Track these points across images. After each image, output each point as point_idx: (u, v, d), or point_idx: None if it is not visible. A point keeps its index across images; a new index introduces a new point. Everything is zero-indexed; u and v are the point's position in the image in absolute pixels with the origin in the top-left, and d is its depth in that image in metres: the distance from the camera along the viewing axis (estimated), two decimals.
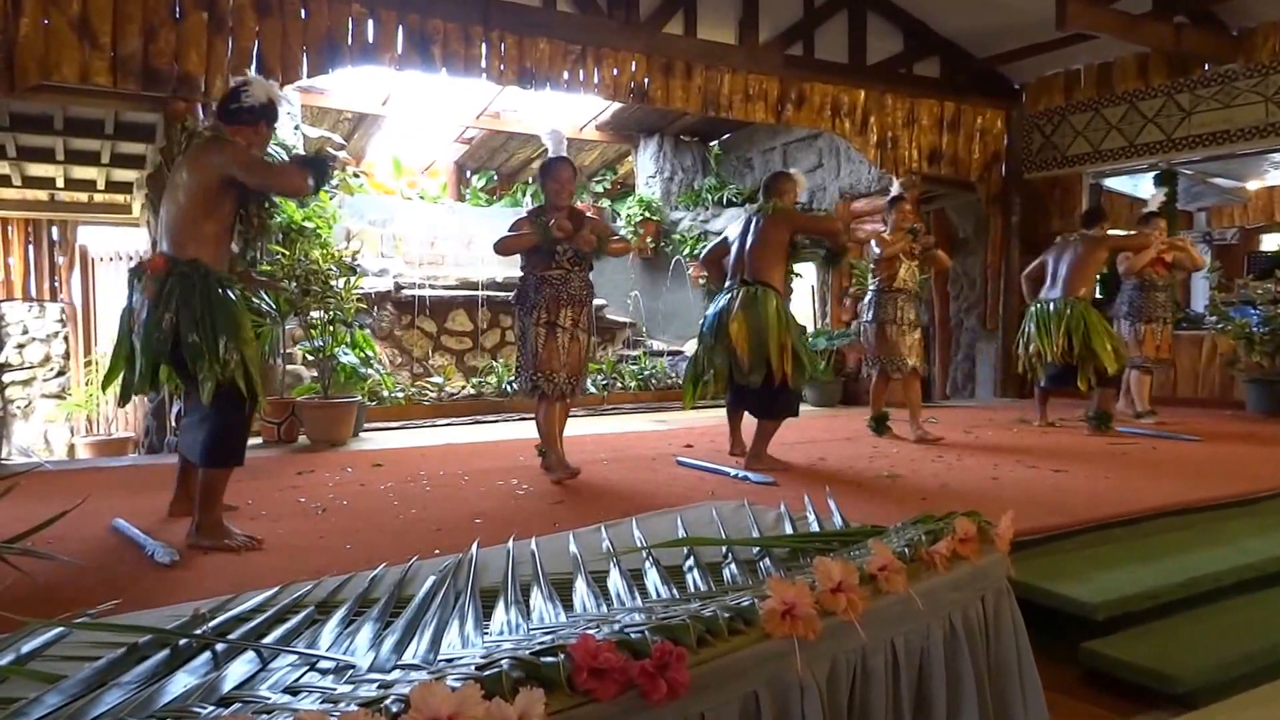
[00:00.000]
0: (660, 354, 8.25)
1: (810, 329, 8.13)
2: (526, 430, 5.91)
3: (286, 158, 5.95)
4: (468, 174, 9.65)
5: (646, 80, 5.93)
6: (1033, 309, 5.52)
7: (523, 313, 3.92)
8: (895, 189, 5.40)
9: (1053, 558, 2.85)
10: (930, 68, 7.15)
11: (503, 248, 3.94)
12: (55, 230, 8.93)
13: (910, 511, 2.29)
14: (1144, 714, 2.31)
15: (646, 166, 9.36)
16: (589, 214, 4.40)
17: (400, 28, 5.22)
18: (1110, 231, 5.79)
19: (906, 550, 1.79)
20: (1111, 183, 7.72)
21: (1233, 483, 3.62)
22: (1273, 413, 5.90)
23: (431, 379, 7.25)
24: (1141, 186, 7.34)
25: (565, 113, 8.57)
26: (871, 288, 5.12)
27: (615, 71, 5.84)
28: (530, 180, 9.75)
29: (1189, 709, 2.31)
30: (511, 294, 4.16)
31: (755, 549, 1.95)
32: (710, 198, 9.10)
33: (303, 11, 4.97)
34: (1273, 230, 8.85)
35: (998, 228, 7.25)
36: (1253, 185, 8.06)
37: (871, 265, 5.16)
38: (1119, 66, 6.87)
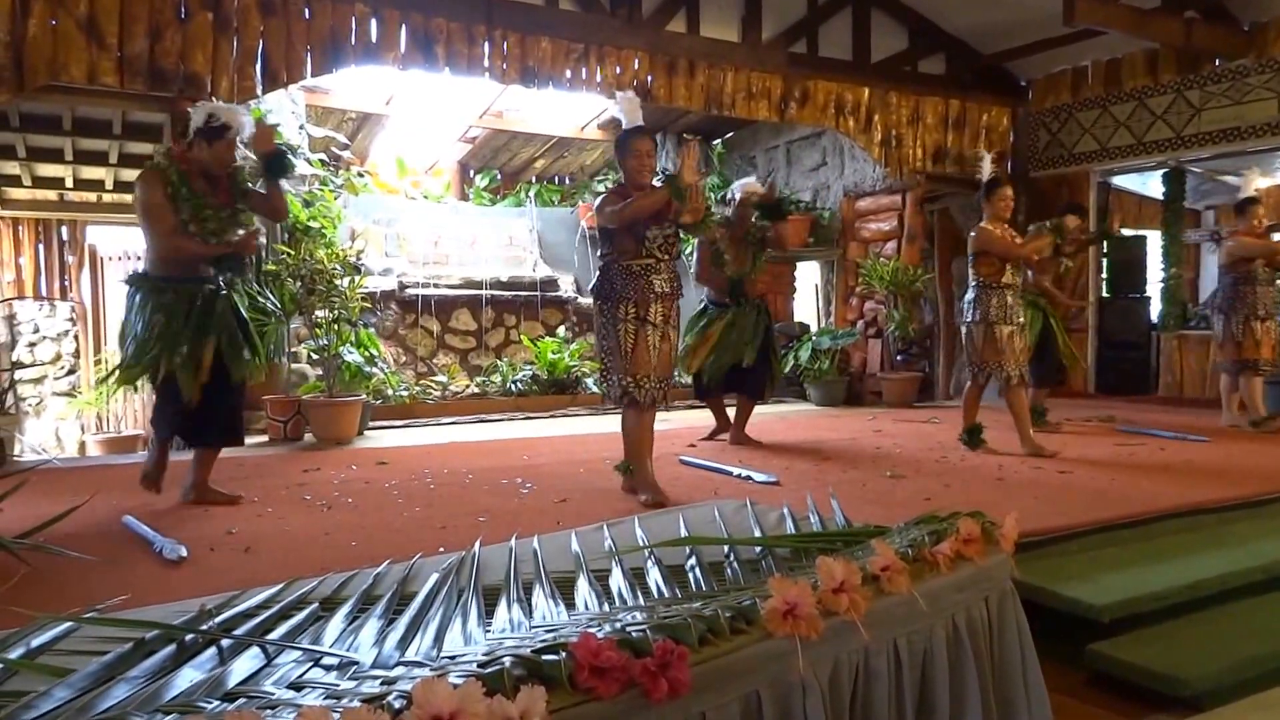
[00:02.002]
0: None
1: (815, 328, 8.13)
2: (530, 429, 5.93)
3: (292, 157, 5.99)
4: (471, 173, 9.65)
5: (649, 78, 5.93)
6: None
7: (607, 308, 3.41)
8: (988, 169, 4.79)
9: (1058, 559, 2.84)
10: (935, 65, 7.12)
11: (631, 214, 3.30)
12: (65, 230, 8.98)
13: (914, 512, 2.28)
14: (1150, 717, 2.30)
15: None
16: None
17: (403, 27, 5.23)
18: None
19: (910, 550, 1.78)
20: (1119, 181, 7.68)
21: (1242, 484, 3.60)
22: None
23: (435, 378, 7.27)
24: (1149, 185, 7.30)
25: (567, 112, 8.57)
26: (972, 283, 4.59)
27: (618, 70, 5.84)
28: (533, 180, 9.76)
29: (1196, 712, 2.30)
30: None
31: (758, 548, 1.95)
32: (713, 196, 9.08)
33: (306, 11, 4.98)
34: None
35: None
36: (1264, 183, 8.00)
37: (970, 258, 4.63)
38: (1127, 63, 6.82)
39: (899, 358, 7.51)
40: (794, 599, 1.43)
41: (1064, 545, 2.91)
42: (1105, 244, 6.68)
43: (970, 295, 4.58)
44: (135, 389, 3.50)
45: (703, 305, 5.02)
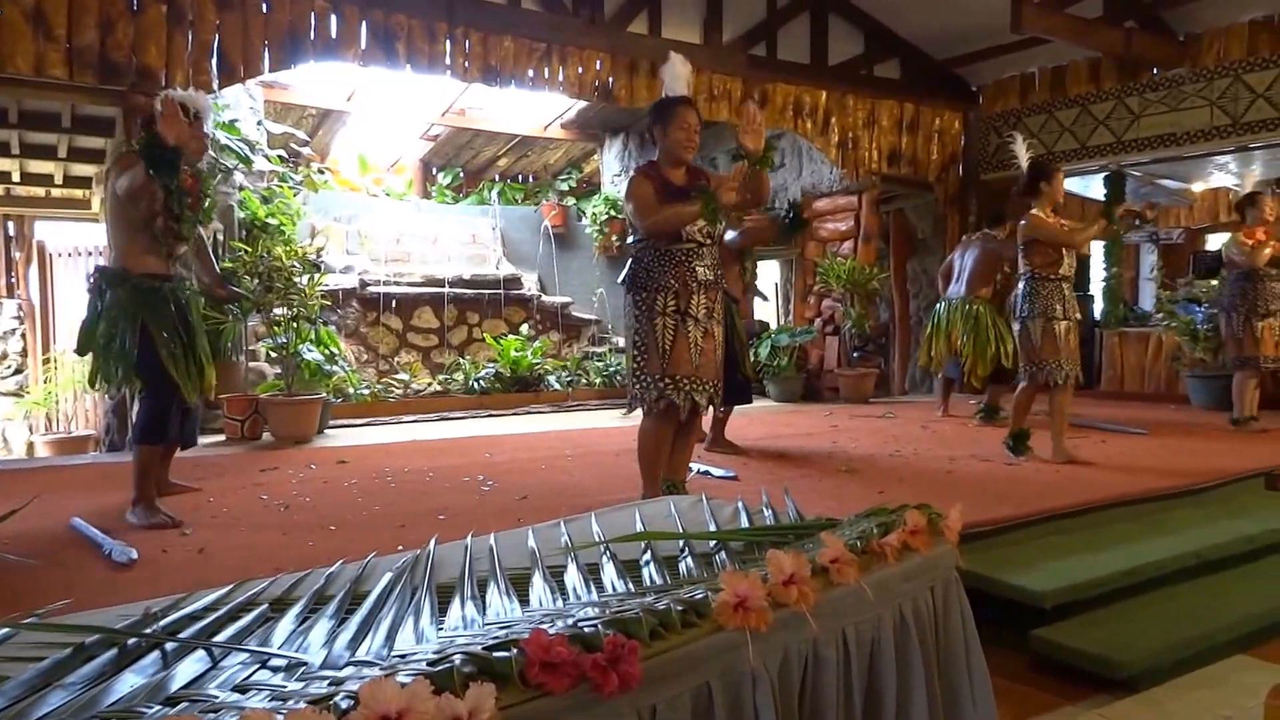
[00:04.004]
0: (625, 351, 8.28)
1: (774, 325, 8.22)
2: (493, 427, 5.91)
3: (250, 154, 5.93)
4: (434, 171, 9.58)
5: (611, 79, 5.95)
6: (937, 306, 5.78)
7: (642, 300, 3.02)
8: (1024, 154, 4.47)
9: (1005, 548, 2.92)
10: (890, 69, 7.25)
11: (664, 227, 3.00)
12: (11, 225, 8.72)
13: (868, 505, 2.32)
14: (1090, 698, 2.38)
15: (612, 165, 9.36)
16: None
17: (364, 23, 5.18)
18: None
19: (858, 542, 1.82)
20: (1064, 183, 7.88)
21: (1178, 474, 3.73)
22: (1214, 406, 6.08)
23: (397, 376, 7.22)
24: (1092, 188, 7.52)
25: (530, 111, 8.54)
26: (1025, 275, 4.22)
27: (580, 70, 5.85)
28: (496, 178, 9.71)
29: (1132, 693, 2.39)
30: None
31: (712, 543, 1.97)
32: None
33: (264, 5, 4.91)
34: (1217, 231, 9.10)
35: (955, 228, 7.38)
36: (1198, 187, 8.28)
37: (1021, 246, 4.29)
38: (1072, 70, 7.02)
39: (855, 354, 7.64)
40: (744, 592, 1.45)
41: (1010, 535, 2.99)
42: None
43: (1023, 288, 4.22)
44: (94, 388, 3.31)
45: None
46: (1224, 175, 7.15)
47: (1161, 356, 6.88)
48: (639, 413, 3.25)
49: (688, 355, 2.98)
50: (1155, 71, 6.49)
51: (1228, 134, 6.18)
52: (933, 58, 7.36)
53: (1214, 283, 6.44)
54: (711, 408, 4.53)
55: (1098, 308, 7.56)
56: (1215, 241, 9.53)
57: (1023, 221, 4.23)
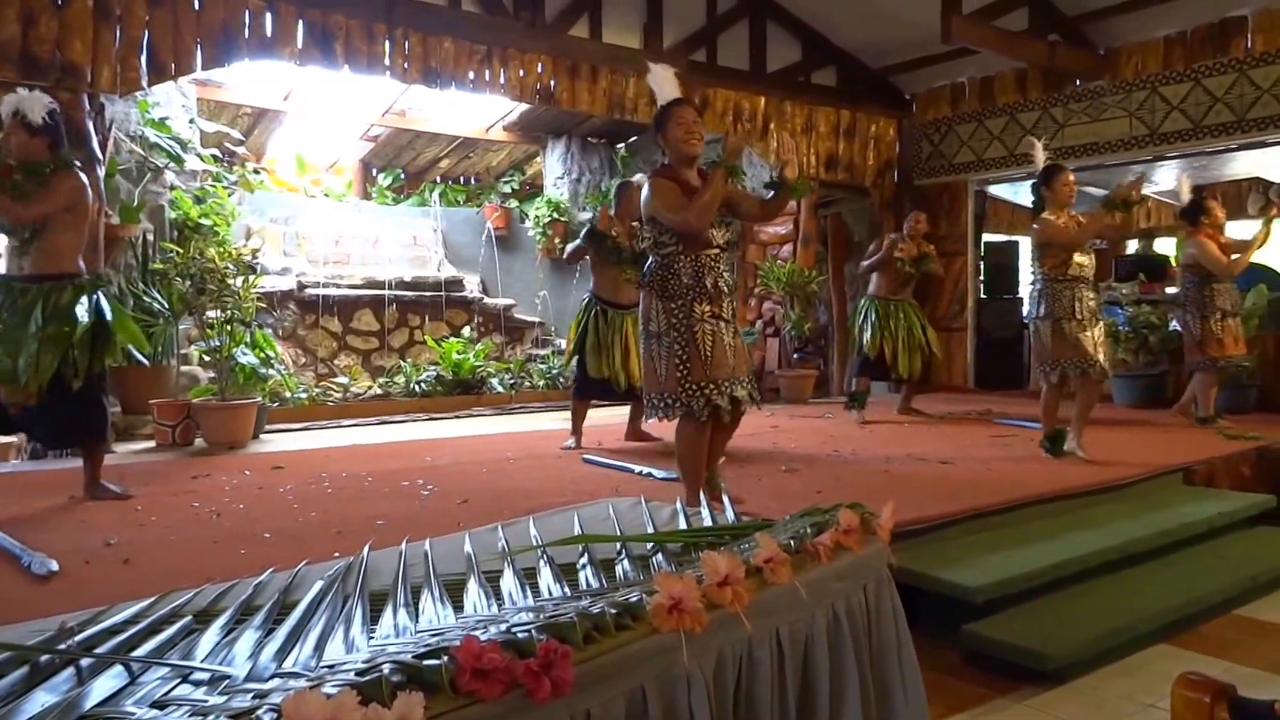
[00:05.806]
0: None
1: None
2: (434, 430, 5.84)
3: (181, 152, 5.75)
4: (374, 172, 9.41)
5: (552, 82, 5.95)
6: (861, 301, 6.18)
7: (678, 308, 2.99)
8: (1040, 155, 4.44)
9: (939, 545, 3.00)
10: (827, 77, 7.40)
11: (701, 218, 2.97)
12: None
13: (807, 504, 2.36)
14: (1019, 690, 2.45)
15: (554, 168, 9.33)
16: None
17: (300, 22, 5.08)
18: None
19: (793, 542, 1.85)
20: (994, 190, 8.17)
21: (1102, 471, 3.88)
22: (1137, 405, 6.35)
23: (336, 379, 7.08)
24: (1021, 194, 7.78)
25: (472, 113, 8.47)
26: (1038, 277, 4.30)
27: (521, 73, 5.83)
28: (438, 180, 9.59)
29: (1061, 684, 2.48)
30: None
31: (649, 545, 1.99)
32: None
33: (196, 2, 4.77)
34: (1136, 236, 9.52)
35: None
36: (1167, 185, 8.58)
37: (1035, 251, 4.34)
38: (1000, 80, 7.29)
39: (795, 356, 7.76)
40: (679, 594, 1.46)
41: (944, 531, 3.07)
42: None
43: (1035, 290, 4.30)
44: None
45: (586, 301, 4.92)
46: (1144, 185, 7.42)
47: None
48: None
49: (726, 358, 3.01)
50: (1078, 83, 6.77)
51: (1145, 143, 6.47)
52: (868, 66, 7.53)
53: (1131, 286, 6.75)
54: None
55: (1026, 309, 7.82)
56: (1134, 246, 9.98)
57: (1034, 226, 4.30)
